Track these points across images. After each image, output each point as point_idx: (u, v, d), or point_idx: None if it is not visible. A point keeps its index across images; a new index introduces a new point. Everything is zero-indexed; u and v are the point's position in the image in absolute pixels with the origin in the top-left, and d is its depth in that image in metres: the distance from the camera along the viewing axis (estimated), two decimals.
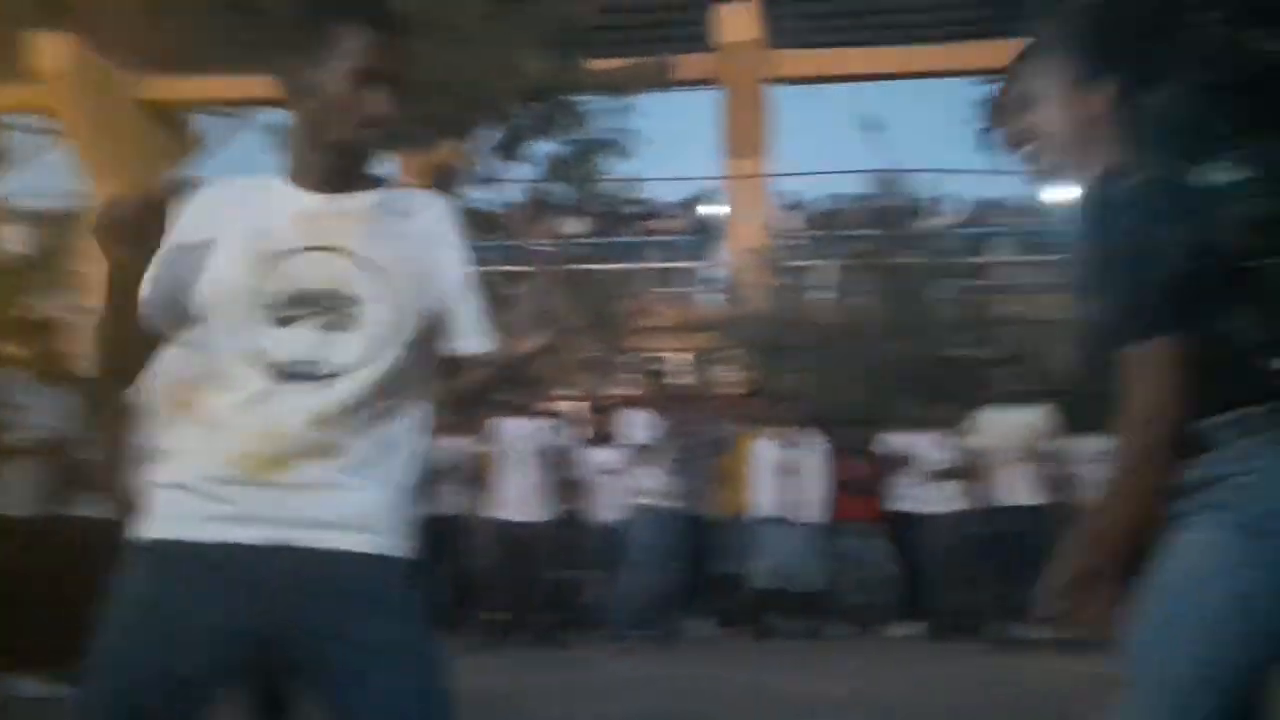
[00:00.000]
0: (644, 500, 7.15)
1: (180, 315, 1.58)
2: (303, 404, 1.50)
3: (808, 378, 9.47)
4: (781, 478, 7.77)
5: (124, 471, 2.60)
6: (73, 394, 5.26)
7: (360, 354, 1.52)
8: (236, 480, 1.49)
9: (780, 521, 7.72)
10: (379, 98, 1.54)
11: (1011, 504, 7.13)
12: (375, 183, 1.64)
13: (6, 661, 4.99)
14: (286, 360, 1.50)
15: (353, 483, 1.51)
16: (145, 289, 1.57)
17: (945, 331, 9.70)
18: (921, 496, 7.81)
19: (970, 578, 7.57)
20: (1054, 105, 1.76)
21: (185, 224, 1.58)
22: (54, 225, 6.99)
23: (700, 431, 8.14)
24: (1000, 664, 6.59)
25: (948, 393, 8.14)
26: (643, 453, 7.15)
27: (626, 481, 7.31)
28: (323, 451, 1.50)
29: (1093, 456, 7.41)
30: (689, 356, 12.40)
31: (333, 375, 1.51)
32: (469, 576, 7.43)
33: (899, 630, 7.84)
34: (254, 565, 1.46)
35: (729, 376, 11.31)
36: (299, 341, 1.51)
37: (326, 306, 1.52)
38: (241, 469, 1.49)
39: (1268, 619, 1.51)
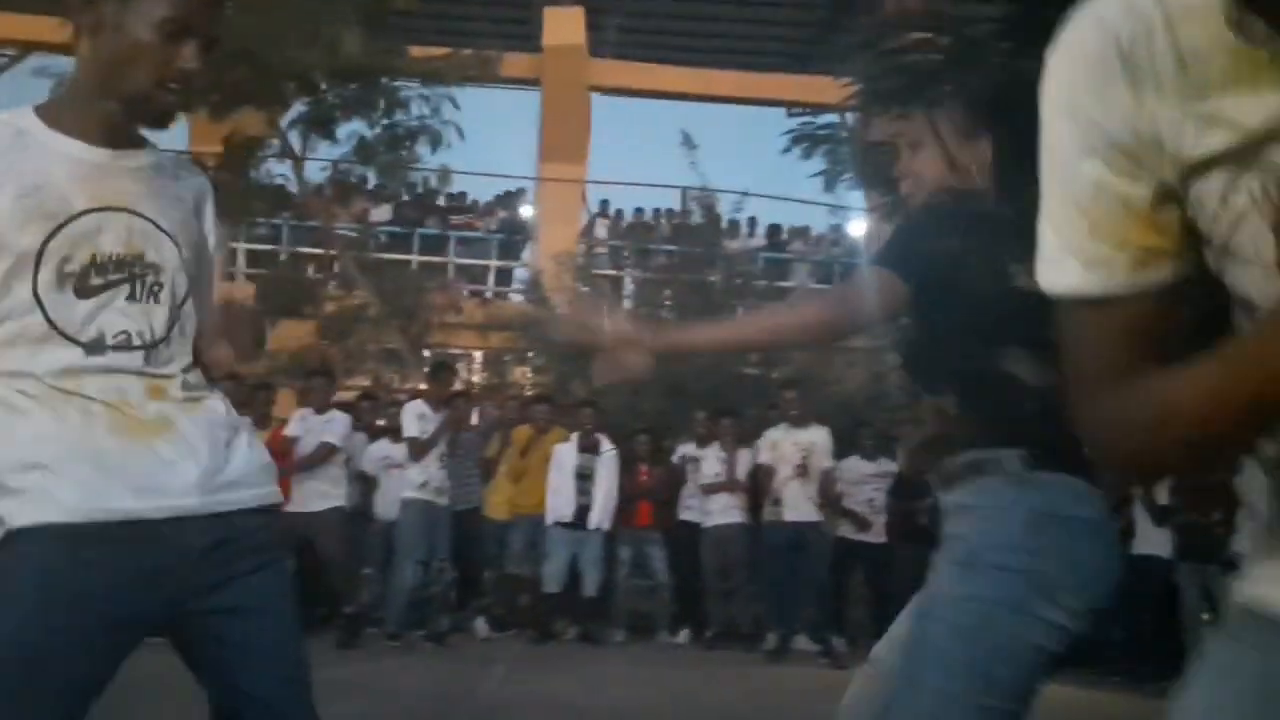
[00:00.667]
0: (413, 495, 7.04)
1: None
2: (131, 377, 1.42)
3: (604, 385, 9.55)
4: (575, 482, 7.84)
5: None
6: None
7: (168, 324, 1.47)
8: (99, 455, 1.37)
9: (570, 525, 7.77)
10: (188, 53, 1.41)
11: (789, 519, 7.46)
12: (144, 141, 1.54)
13: None
14: (97, 334, 1.40)
15: (214, 442, 1.46)
16: None
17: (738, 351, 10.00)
18: (703, 507, 8.02)
19: (744, 589, 7.87)
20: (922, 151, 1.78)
21: None
22: None
23: (482, 429, 8.11)
24: (768, 674, 6.86)
25: (736, 409, 8.40)
26: (414, 446, 7.03)
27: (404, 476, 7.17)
28: (169, 420, 1.43)
29: (864, 478, 7.90)
30: (487, 354, 12.28)
31: (149, 346, 1.44)
32: None
33: (674, 638, 8.02)
34: (144, 539, 1.38)
35: (526, 378, 11.28)
36: (108, 313, 1.42)
37: (130, 274, 1.43)
38: (99, 443, 1.37)
39: None
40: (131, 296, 1.43)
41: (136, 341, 1.42)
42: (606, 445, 8.04)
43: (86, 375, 1.39)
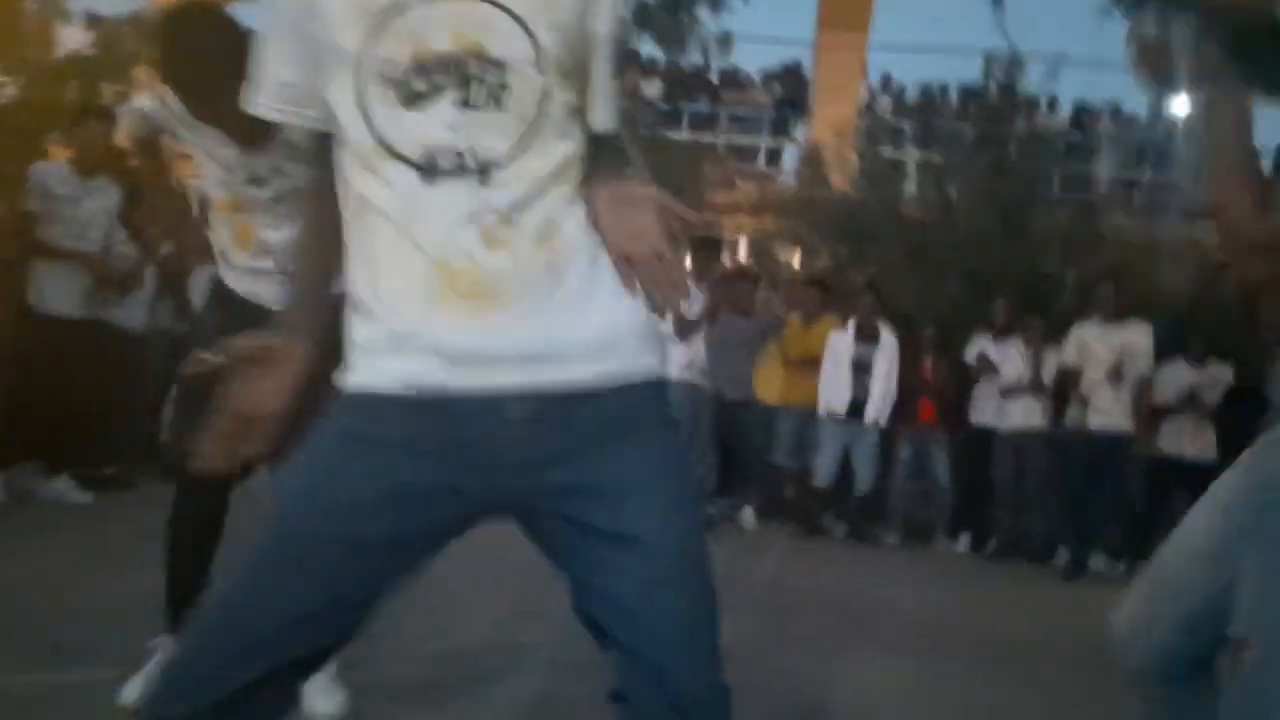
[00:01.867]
0: (676, 375, 6.78)
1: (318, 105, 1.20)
2: (459, 209, 1.11)
3: (891, 272, 8.88)
4: (851, 373, 7.34)
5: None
6: (115, 190, 4.93)
7: (516, 138, 1.12)
8: (421, 317, 1.11)
9: (844, 419, 7.32)
10: None
11: (1096, 428, 6.65)
12: None
13: (31, 457, 4.87)
14: (422, 152, 1.11)
15: (570, 299, 1.14)
16: (270, 79, 1.22)
17: (1045, 239, 8.99)
18: (999, 409, 7.31)
19: (1039, 501, 7.15)
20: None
21: None
22: (112, 28, 6.61)
23: (755, 314, 7.69)
24: (1058, 594, 6.23)
25: (1041, 304, 7.54)
26: (679, 325, 6.72)
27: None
28: (512, 267, 1.12)
29: (1189, 387, 6.89)
30: (756, 237, 11.84)
31: (486, 169, 1.10)
32: None
33: (954, 545, 7.46)
34: (468, 415, 1.12)
35: (802, 261, 10.74)
36: (434, 125, 1.11)
37: (465, 75, 1.11)
38: (422, 301, 1.11)
39: None
40: (465, 103, 1.11)
41: (470, 163, 1.11)
42: (887, 334, 7.45)
43: (418, 207, 1.12)
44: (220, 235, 2.38)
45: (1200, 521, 1.57)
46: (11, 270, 4.70)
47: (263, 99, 1.24)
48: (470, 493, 1.14)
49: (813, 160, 11.10)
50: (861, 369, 7.35)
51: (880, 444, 7.43)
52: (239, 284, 2.36)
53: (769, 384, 7.66)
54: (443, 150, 1.11)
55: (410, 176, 1.11)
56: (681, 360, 6.77)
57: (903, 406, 7.38)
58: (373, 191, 1.14)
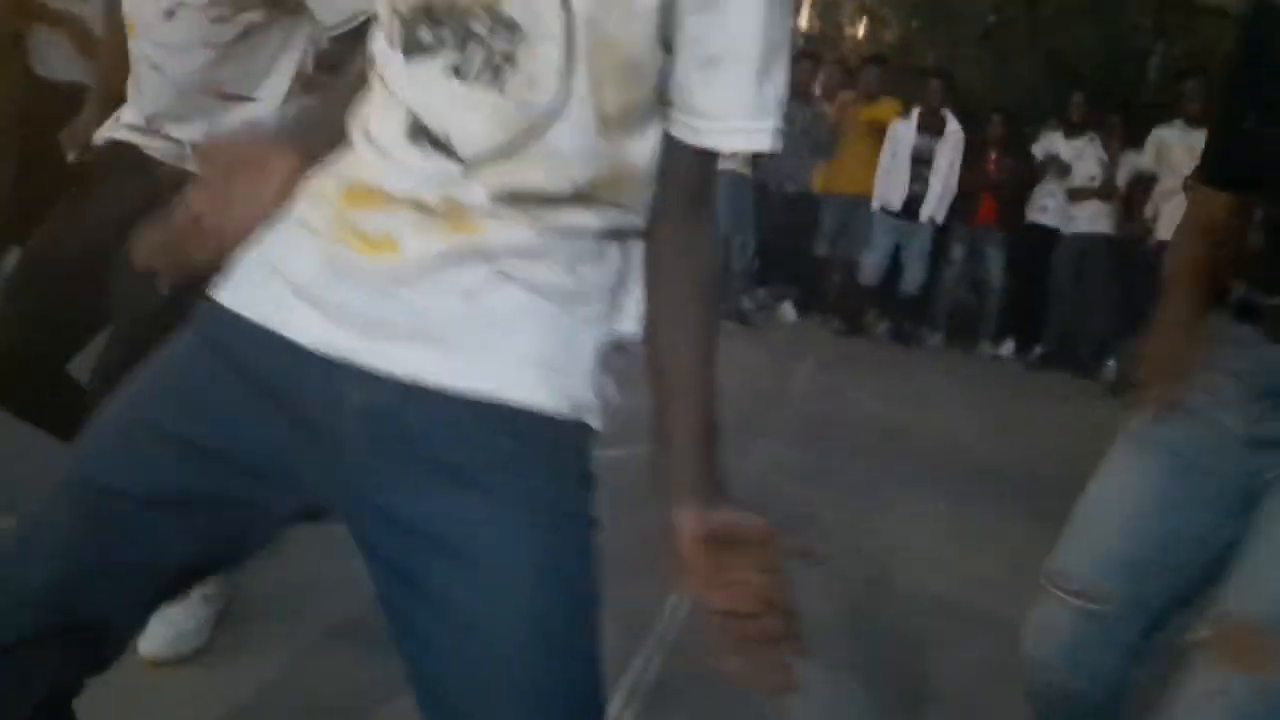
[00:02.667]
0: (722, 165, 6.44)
1: None
2: (429, 178, 0.83)
3: (963, 52, 8.23)
4: (910, 166, 6.93)
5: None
6: None
7: (506, 135, 0.81)
8: (338, 259, 0.84)
9: (898, 215, 6.98)
10: None
11: (1162, 240, 6.29)
12: None
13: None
14: (421, 112, 0.83)
15: (508, 295, 0.83)
16: None
17: (1130, 30, 8.23)
18: (1064, 211, 6.92)
19: (1095, 310, 6.88)
20: None
21: None
22: None
23: (809, 99, 7.20)
24: (1103, 407, 6.09)
25: (1125, 97, 6.98)
26: None
27: None
28: (466, 249, 0.83)
29: None
30: (818, 2, 11.02)
31: (466, 152, 0.82)
32: None
33: (997, 350, 7.29)
34: (328, 383, 0.83)
35: (867, 34, 10.01)
36: (422, 88, 0.83)
37: (466, 33, 0.81)
38: (350, 244, 0.84)
39: None
40: (457, 71, 0.82)
41: (446, 147, 0.82)
42: (953, 125, 6.97)
43: (386, 159, 0.85)
44: None
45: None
46: (18, 41, 4.40)
47: None
48: (295, 473, 0.87)
49: None
50: (921, 162, 6.94)
51: (933, 241, 7.12)
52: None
53: (816, 173, 7.28)
54: (426, 120, 0.83)
55: (400, 123, 0.85)
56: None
57: (961, 203, 7.02)
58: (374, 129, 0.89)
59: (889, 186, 6.99)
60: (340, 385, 0.83)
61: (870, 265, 7.14)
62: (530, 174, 0.82)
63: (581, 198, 0.83)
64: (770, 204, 7.00)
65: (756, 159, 6.57)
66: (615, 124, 0.83)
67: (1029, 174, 7.06)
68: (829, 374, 5.85)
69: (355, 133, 0.90)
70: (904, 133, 6.96)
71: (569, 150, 0.82)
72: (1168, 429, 1.38)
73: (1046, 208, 7.01)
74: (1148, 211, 6.40)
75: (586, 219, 0.84)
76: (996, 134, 7.09)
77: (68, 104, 4.58)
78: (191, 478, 0.86)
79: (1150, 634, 1.32)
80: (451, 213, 0.82)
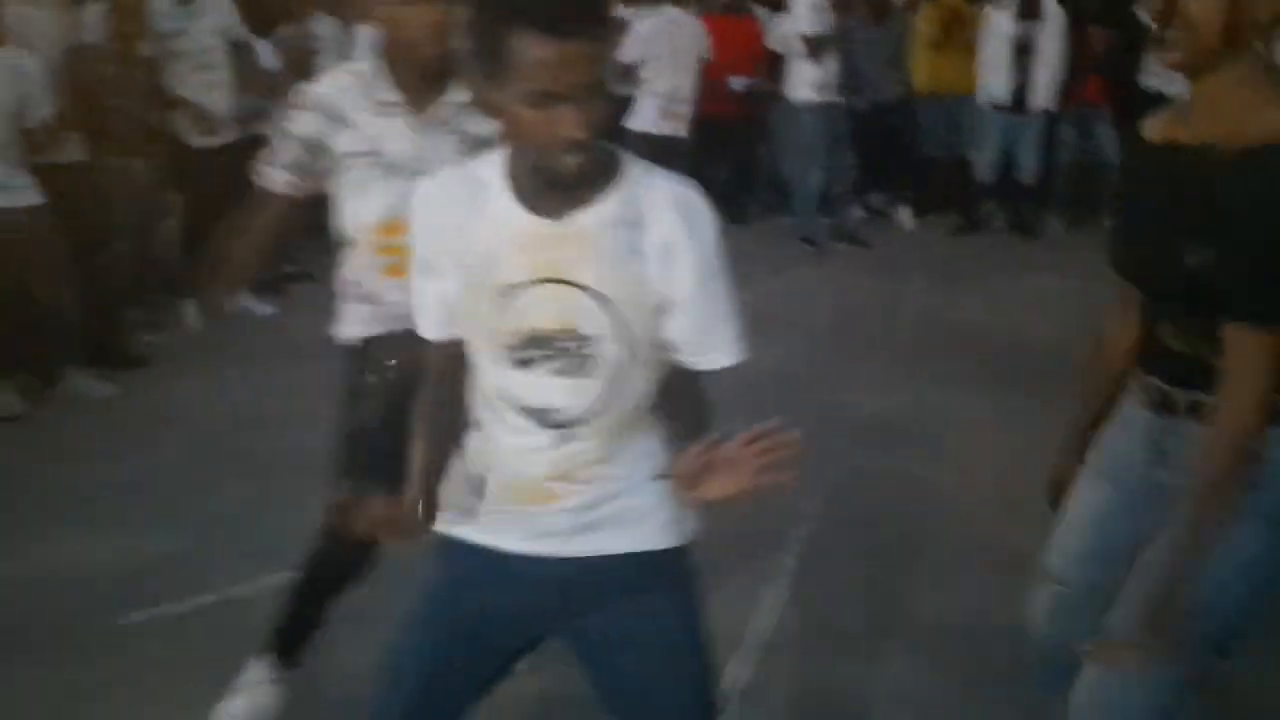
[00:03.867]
0: (807, 97, 6.55)
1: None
2: (548, 453, 1.41)
3: None
4: (1012, 56, 6.81)
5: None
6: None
7: (599, 398, 1.39)
8: (509, 507, 1.46)
9: (1006, 108, 6.90)
10: (567, 117, 1.22)
11: None
12: (607, 183, 1.35)
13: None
14: (529, 406, 1.40)
15: (616, 493, 1.46)
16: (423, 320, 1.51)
17: None
18: (1173, 77, 6.66)
19: None
20: None
21: (422, 233, 1.43)
22: None
23: (889, 21, 7.17)
24: None
25: None
26: (808, 43, 6.37)
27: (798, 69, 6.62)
28: (578, 482, 1.44)
29: None
30: None
31: (573, 424, 1.40)
32: None
33: None
34: (537, 572, 1.47)
35: None
36: (538, 387, 1.38)
37: (561, 348, 1.36)
38: (513, 500, 1.46)
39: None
40: (562, 371, 1.37)
41: (560, 417, 1.39)
42: (1051, 6, 6.79)
43: (514, 443, 1.43)
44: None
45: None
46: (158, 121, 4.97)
47: (427, 322, 1.49)
48: (534, 627, 1.54)
49: None
50: (1023, 50, 6.81)
51: (1045, 130, 7.02)
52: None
53: (919, 74, 7.25)
54: (539, 408, 1.39)
55: (517, 420, 1.41)
56: (813, 79, 6.51)
57: (1068, 85, 6.87)
58: (488, 419, 1.45)
59: (993, 80, 6.90)
60: (552, 570, 1.45)
61: (983, 163, 7.12)
62: (613, 414, 1.40)
63: (636, 414, 1.43)
64: (866, 120, 7.06)
65: (842, 85, 6.64)
66: (641, 367, 1.40)
67: (1134, 43, 6.82)
68: (937, 289, 5.99)
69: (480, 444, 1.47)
70: (1001, 22, 6.84)
71: (629, 391, 1.40)
72: (1101, 458, 1.79)
73: (1156, 72, 6.76)
74: None
75: (645, 426, 1.45)
76: (1096, 6, 6.86)
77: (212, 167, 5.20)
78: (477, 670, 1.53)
79: (1106, 608, 1.69)
80: (577, 474, 1.42)
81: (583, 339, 1.35)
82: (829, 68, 6.53)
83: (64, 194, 4.22)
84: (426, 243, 1.42)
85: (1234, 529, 1.50)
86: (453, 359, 1.47)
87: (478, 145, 1.89)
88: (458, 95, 2.03)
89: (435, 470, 1.54)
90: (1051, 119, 7.03)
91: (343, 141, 2.05)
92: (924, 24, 7.19)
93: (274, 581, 2.61)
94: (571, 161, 1.25)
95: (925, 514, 3.36)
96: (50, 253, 4.20)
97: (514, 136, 1.28)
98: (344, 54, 5.45)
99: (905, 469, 3.65)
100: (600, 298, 1.33)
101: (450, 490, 1.52)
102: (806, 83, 6.54)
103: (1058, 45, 6.78)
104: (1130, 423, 1.73)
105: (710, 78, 6.23)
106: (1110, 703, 1.61)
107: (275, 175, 2.09)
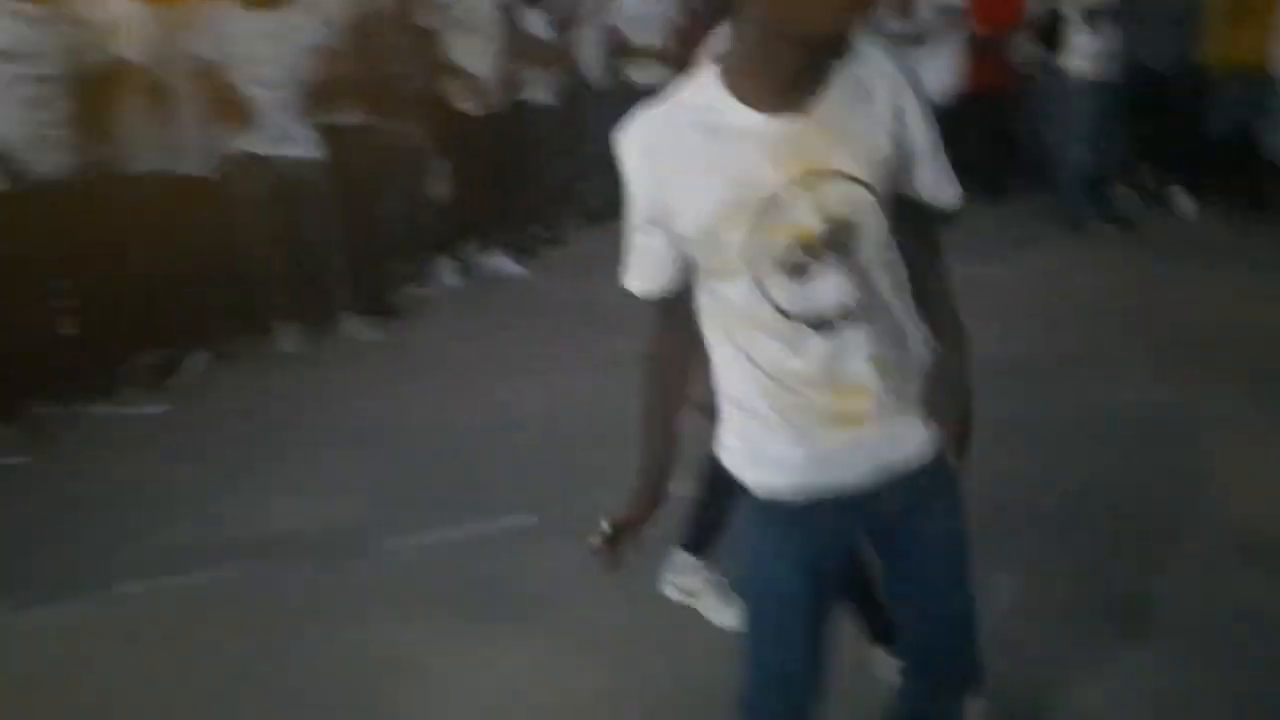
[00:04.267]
0: (1080, 66, 6.10)
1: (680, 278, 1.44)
2: (845, 351, 1.38)
3: None
4: None
5: None
6: None
7: (871, 280, 1.37)
8: (819, 435, 1.43)
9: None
10: None
11: None
12: (829, 69, 1.31)
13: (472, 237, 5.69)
14: (813, 313, 1.36)
15: (904, 402, 1.45)
16: (637, 275, 1.46)
17: None
18: None
19: None
20: None
21: (644, 182, 1.37)
22: None
23: None
24: None
25: None
26: (1088, 17, 5.93)
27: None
28: (878, 388, 1.41)
29: None
30: None
31: (857, 315, 1.37)
32: None
33: None
34: (850, 500, 1.49)
35: None
36: (820, 290, 1.35)
37: (834, 243, 1.33)
38: (819, 424, 1.42)
39: None
40: (838, 267, 1.34)
41: (850, 312, 1.36)
42: None
43: (808, 358, 1.39)
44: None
45: None
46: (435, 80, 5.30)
47: (635, 276, 1.46)
48: (852, 541, 1.60)
49: None
50: None
51: None
52: None
53: (1211, 48, 6.61)
54: (828, 310, 1.35)
55: (805, 334, 1.36)
56: (1091, 51, 6.08)
57: None
58: (762, 349, 1.40)
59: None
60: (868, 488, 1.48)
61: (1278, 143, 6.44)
62: (884, 293, 1.39)
63: (900, 286, 1.44)
64: (1145, 92, 6.53)
65: (1122, 58, 6.18)
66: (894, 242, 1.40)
67: None
68: (1216, 277, 5.49)
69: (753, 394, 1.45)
70: None
71: (883, 261, 1.39)
72: None
73: None
74: None
75: (904, 295, 1.45)
76: None
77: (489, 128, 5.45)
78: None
79: None
80: (864, 370, 1.40)
81: (853, 226, 1.32)
82: (1110, 39, 6.08)
83: (341, 153, 4.61)
84: (650, 192, 1.36)
85: None
86: (676, 328, 1.48)
87: None
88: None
89: (663, 470, 1.57)
90: None
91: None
92: None
93: (511, 523, 2.78)
94: (844, 23, 1.23)
95: (1179, 511, 3.12)
96: (325, 205, 4.60)
97: (777, 11, 1.22)
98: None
99: (1156, 466, 3.40)
100: (860, 181, 1.31)
101: (735, 452, 1.52)
102: (1083, 54, 6.13)
103: None
104: None
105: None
106: None
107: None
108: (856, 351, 1.37)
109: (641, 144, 1.35)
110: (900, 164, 1.35)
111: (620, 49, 6.38)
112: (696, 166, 1.31)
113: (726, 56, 1.31)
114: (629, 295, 1.47)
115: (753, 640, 1.54)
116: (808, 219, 1.30)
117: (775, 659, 1.53)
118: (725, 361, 1.45)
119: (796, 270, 1.33)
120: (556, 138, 6.11)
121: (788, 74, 1.27)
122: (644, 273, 1.44)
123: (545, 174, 6.09)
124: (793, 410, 1.41)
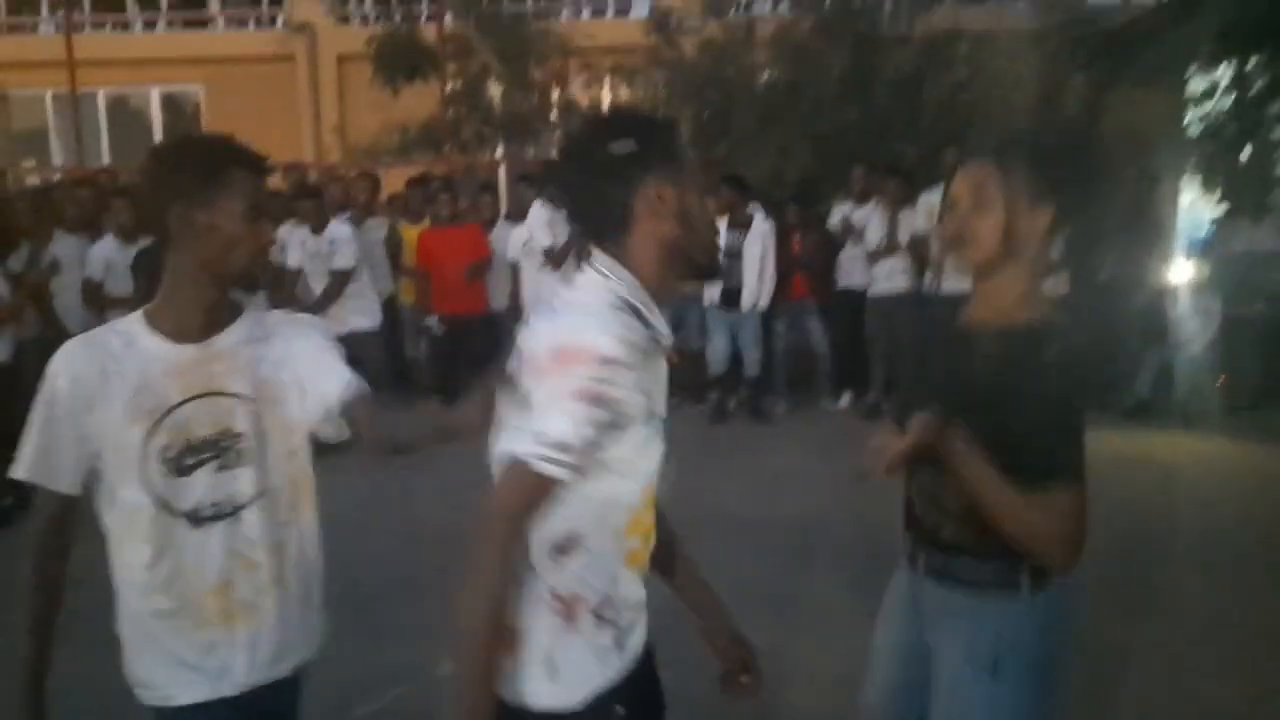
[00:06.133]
0: None
1: (74, 474, 1.67)
2: (222, 543, 1.68)
3: (746, 143, 9.01)
4: (725, 261, 7.59)
5: None
6: None
7: (257, 482, 1.71)
8: (212, 633, 1.71)
9: (725, 305, 7.66)
10: (265, 229, 1.71)
11: (950, 293, 7.14)
12: (236, 315, 1.78)
13: None
14: (193, 507, 1.67)
15: (291, 605, 1.79)
16: (27, 453, 1.66)
17: (898, 102, 9.13)
18: (866, 272, 7.75)
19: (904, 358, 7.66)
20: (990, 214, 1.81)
21: (59, 389, 1.64)
22: None
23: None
24: None
25: (897, 164, 7.89)
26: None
27: None
28: (259, 582, 1.72)
29: None
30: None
31: (239, 509, 1.69)
32: None
33: (836, 405, 8.10)
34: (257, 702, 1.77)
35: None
36: (201, 486, 1.67)
37: (219, 448, 1.68)
38: (211, 620, 1.69)
39: None
40: (223, 467, 1.69)
41: (228, 509, 1.69)
42: (759, 220, 7.60)
43: (188, 549, 1.68)
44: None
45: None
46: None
47: (24, 466, 1.66)
48: None
49: (669, 17, 10.72)
50: (733, 256, 7.51)
51: (762, 324, 7.79)
52: None
53: None
54: (204, 504, 1.67)
55: (181, 526, 1.66)
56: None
57: (778, 284, 7.72)
58: (142, 536, 1.66)
59: (710, 283, 7.64)
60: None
61: (712, 355, 7.80)
62: (273, 491, 1.83)
63: (299, 489, 1.87)
64: None
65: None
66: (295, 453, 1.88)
67: (829, 245, 7.90)
68: (691, 466, 6.44)
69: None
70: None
71: (284, 466, 1.83)
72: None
73: (851, 271, 7.83)
74: (930, 268, 7.28)
75: (306, 499, 1.91)
76: (794, 217, 7.91)
77: None
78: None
79: None
80: (254, 557, 1.81)
81: (238, 435, 1.70)
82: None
83: None
84: (67, 403, 1.63)
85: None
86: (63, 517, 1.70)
87: None
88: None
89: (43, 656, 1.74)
90: (767, 315, 7.79)
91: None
92: None
93: None
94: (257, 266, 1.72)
95: None
96: None
97: (216, 251, 1.67)
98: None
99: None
100: (244, 399, 1.71)
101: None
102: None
103: (764, 254, 7.56)
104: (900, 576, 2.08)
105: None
106: None
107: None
108: (220, 551, 1.72)
109: (66, 358, 1.66)
110: (296, 393, 1.76)
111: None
112: (110, 382, 1.64)
113: (158, 304, 1.73)
114: None
115: None
116: (199, 426, 1.67)
117: None
118: None
119: (183, 469, 1.67)
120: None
121: (199, 306, 1.73)
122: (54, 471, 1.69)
123: None
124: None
